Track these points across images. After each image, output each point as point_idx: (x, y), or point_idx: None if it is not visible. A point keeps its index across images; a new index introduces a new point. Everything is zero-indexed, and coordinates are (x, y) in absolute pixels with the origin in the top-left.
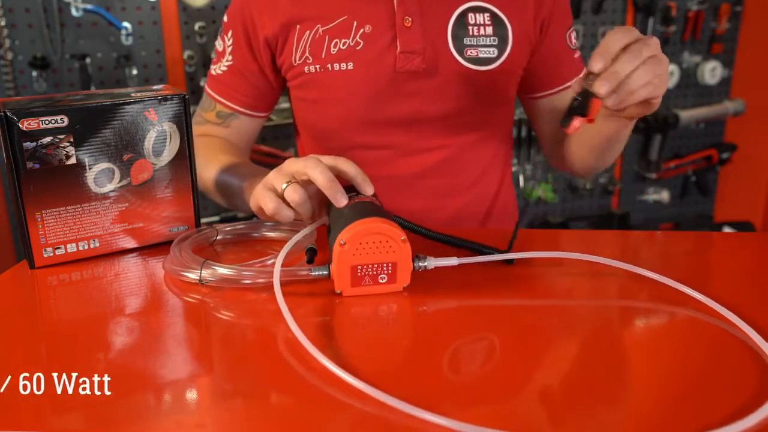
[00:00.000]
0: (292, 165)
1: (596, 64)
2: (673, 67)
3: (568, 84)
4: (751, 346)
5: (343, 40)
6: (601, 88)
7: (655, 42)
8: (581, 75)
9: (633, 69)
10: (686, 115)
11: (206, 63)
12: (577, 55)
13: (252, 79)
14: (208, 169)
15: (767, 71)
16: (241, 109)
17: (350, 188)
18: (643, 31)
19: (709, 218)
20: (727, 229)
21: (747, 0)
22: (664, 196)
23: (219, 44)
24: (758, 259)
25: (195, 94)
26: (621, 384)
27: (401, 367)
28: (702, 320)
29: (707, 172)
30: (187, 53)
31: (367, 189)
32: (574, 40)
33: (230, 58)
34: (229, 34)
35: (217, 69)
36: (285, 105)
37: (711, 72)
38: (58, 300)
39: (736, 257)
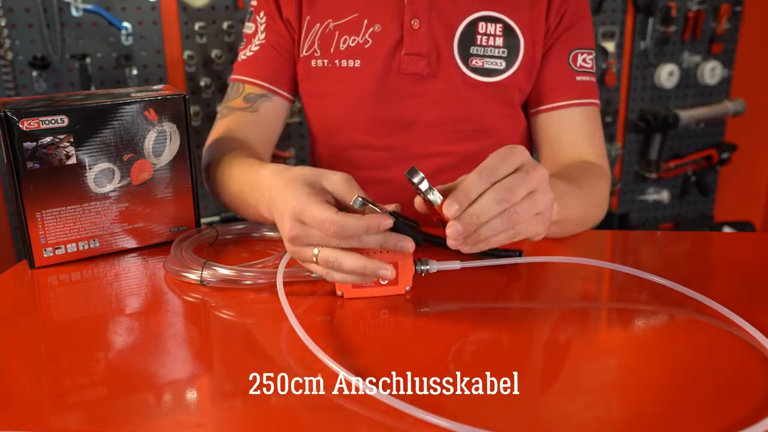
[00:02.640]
0: (308, 236)
1: (451, 209)
2: (673, 67)
3: (562, 104)
4: (755, 346)
5: (352, 37)
6: (449, 231)
7: (538, 175)
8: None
9: (495, 214)
10: (686, 115)
11: (206, 63)
12: (582, 78)
13: (285, 53)
14: (228, 183)
15: (767, 71)
16: (271, 86)
17: (365, 200)
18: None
19: (709, 218)
20: (727, 229)
21: (747, 0)
22: (664, 196)
23: (249, 27)
24: (758, 259)
25: (195, 94)
26: (624, 387)
27: (402, 369)
28: (704, 321)
29: (707, 172)
30: (187, 53)
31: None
32: (581, 63)
33: (263, 36)
34: (261, 14)
35: (246, 52)
36: None
37: (711, 72)
38: (58, 300)
39: (736, 258)
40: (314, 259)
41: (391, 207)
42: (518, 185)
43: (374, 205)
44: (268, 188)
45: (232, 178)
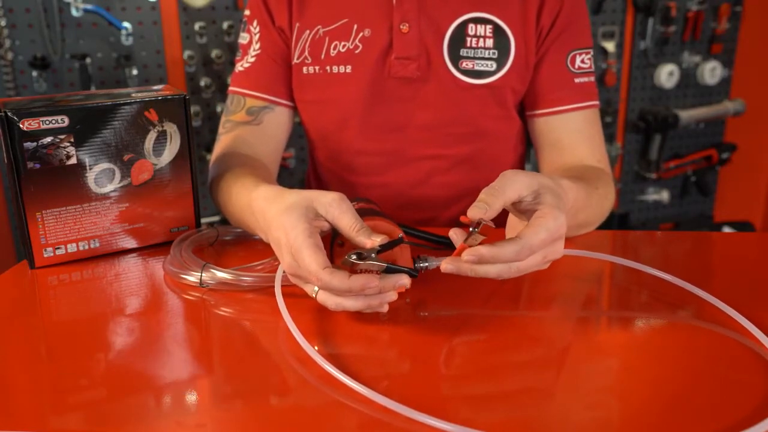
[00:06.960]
0: (305, 276)
1: (477, 212)
2: (673, 67)
3: (562, 108)
4: (755, 347)
5: (342, 43)
6: (471, 257)
7: (561, 244)
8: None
9: (527, 266)
10: (686, 115)
11: (206, 63)
12: (581, 80)
13: (281, 62)
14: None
15: (767, 71)
16: (272, 98)
17: (354, 198)
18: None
19: (709, 218)
20: (727, 229)
21: (747, 0)
22: (664, 196)
23: (244, 37)
24: (758, 258)
25: (195, 94)
26: (624, 388)
27: (402, 370)
28: (704, 321)
29: (707, 172)
30: (187, 53)
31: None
32: (579, 64)
33: (258, 46)
34: (255, 23)
35: (243, 63)
36: None
37: (711, 72)
38: (58, 300)
39: (736, 257)
40: (314, 295)
41: (378, 239)
42: (547, 255)
43: (367, 258)
44: (261, 214)
45: (232, 200)
